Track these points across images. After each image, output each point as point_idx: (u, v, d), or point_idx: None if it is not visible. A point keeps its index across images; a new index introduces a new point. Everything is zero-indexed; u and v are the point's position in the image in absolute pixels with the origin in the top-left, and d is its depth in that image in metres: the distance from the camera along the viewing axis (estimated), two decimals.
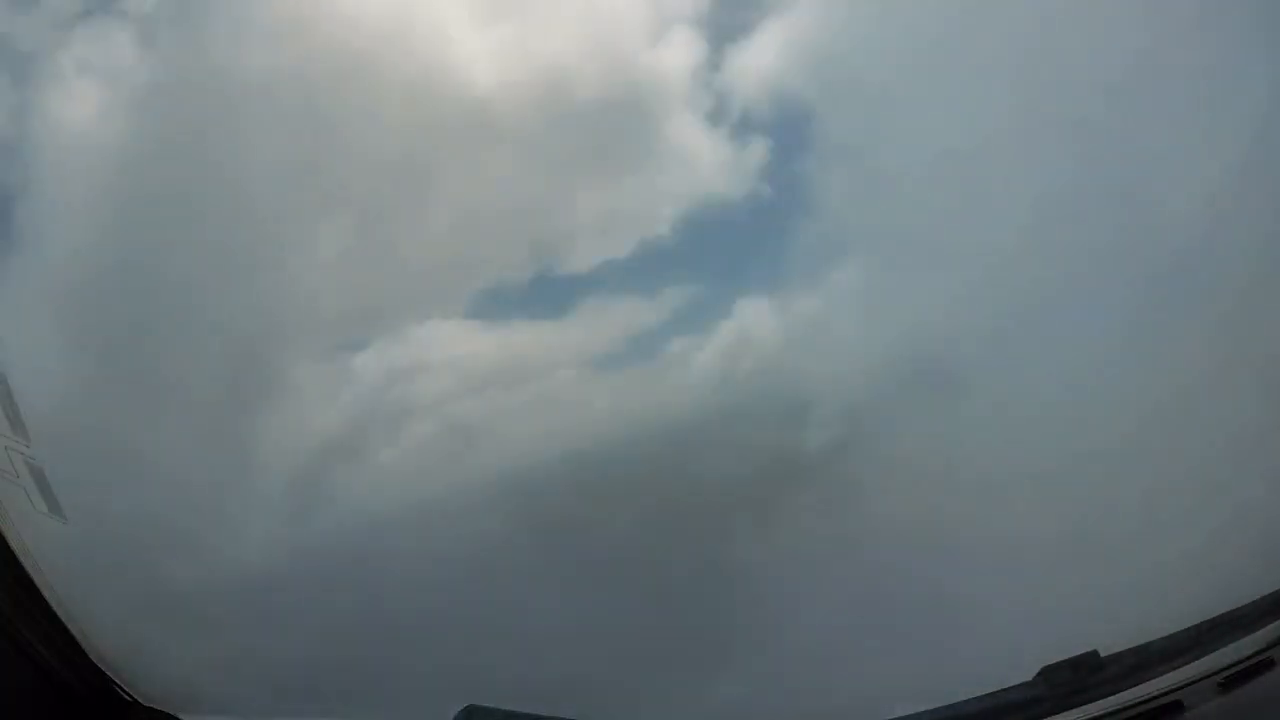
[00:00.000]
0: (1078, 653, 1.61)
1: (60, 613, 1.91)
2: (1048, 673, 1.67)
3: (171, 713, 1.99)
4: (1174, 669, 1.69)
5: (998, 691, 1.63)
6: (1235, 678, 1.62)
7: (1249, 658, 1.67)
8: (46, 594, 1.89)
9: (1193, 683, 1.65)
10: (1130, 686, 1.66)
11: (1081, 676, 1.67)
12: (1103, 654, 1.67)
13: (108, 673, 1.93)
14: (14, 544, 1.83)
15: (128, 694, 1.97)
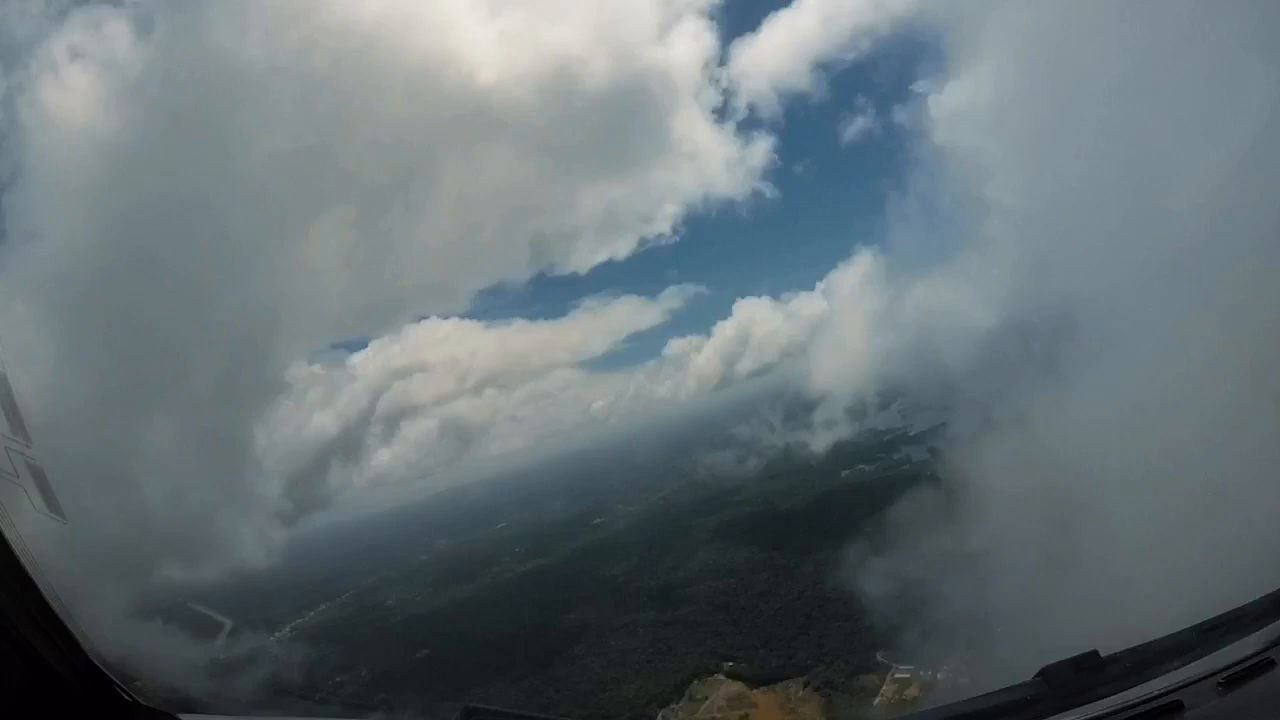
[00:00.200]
0: (1078, 653, 1.61)
1: (60, 613, 1.92)
2: (1048, 673, 1.67)
3: (171, 713, 2.00)
4: (1174, 669, 1.67)
5: (998, 691, 1.63)
6: (1235, 678, 1.60)
7: (1249, 658, 1.65)
8: (46, 594, 1.90)
9: (1193, 683, 1.63)
10: (1130, 686, 1.64)
11: (1082, 676, 1.67)
12: (1103, 654, 1.66)
13: (108, 673, 1.93)
14: (14, 544, 1.84)
15: (128, 694, 1.96)
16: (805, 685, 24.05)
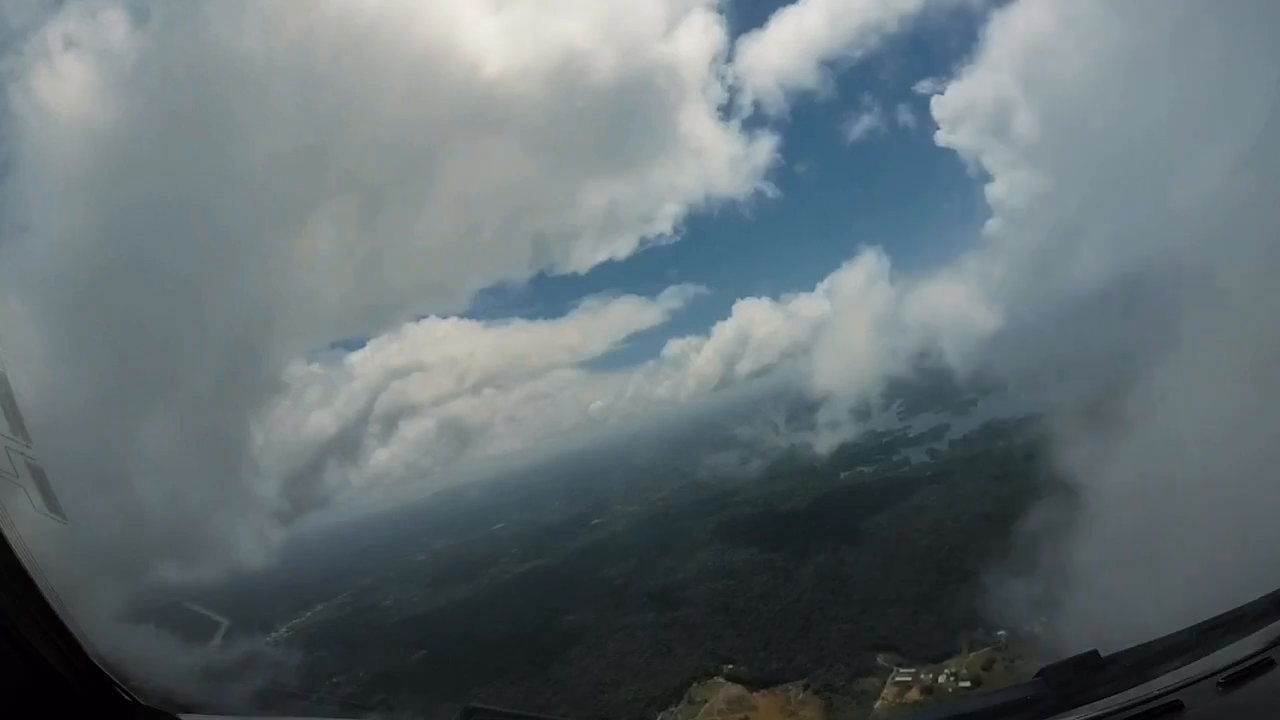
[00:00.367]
0: (1078, 653, 1.61)
1: (60, 613, 1.92)
2: (1048, 673, 1.67)
3: (171, 713, 2.00)
4: (1174, 669, 1.67)
5: (999, 691, 1.63)
6: (1235, 678, 1.60)
7: (1249, 658, 1.65)
8: (46, 594, 1.90)
9: (1193, 683, 1.63)
10: (1130, 686, 1.64)
11: (1082, 676, 1.67)
12: (1103, 654, 1.67)
13: (108, 673, 1.93)
14: (14, 544, 1.84)
15: (128, 694, 1.96)
16: (805, 688, 23.99)
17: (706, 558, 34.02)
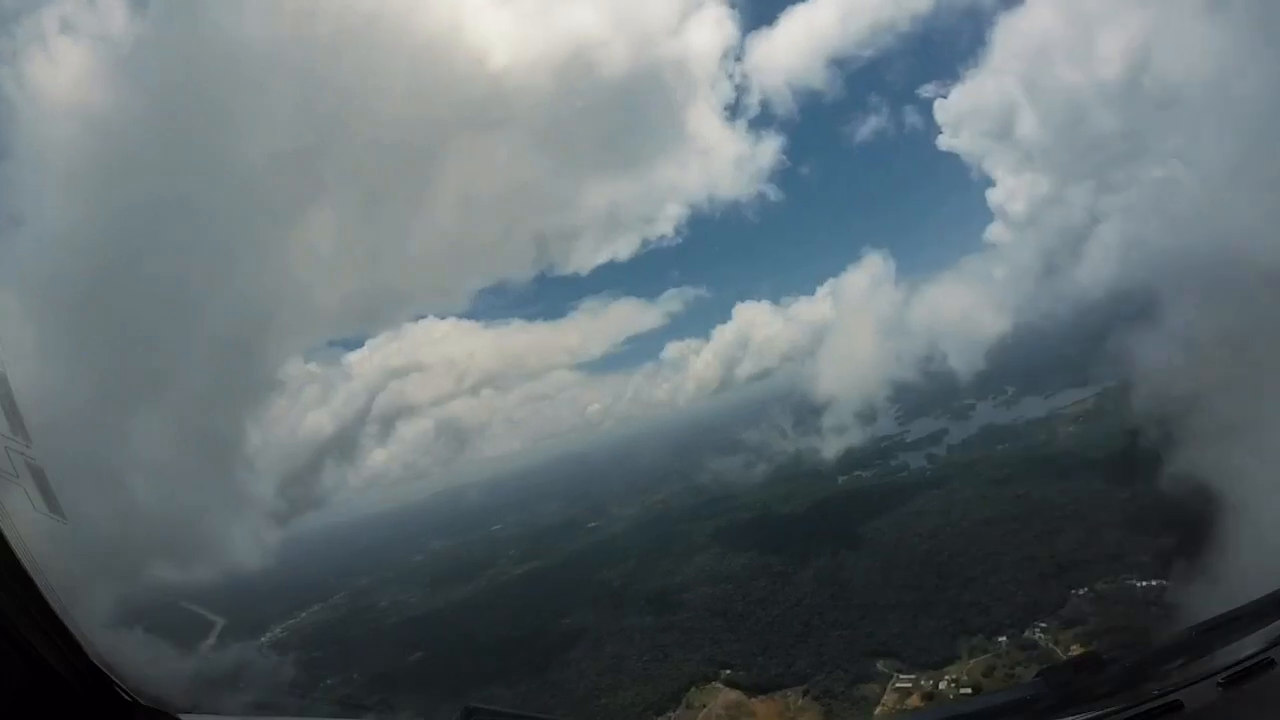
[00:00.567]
0: (1078, 654, 1.61)
1: (60, 613, 1.92)
2: (1048, 674, 1.68)
3: (171, 713, 1.99)
4: (1174, 669, 1.68)
5: (999, 692, 1.63)
6: (1235, 678, 1.61)
7: (1249, 658, 1.66)
8: (46, 594, 1.89)
9: (1193, 683, 1.64)
10: (1130, 686, 1.65)
11: (1082, 677, 1.68)
12: (1103, 655, 1.68)
13: (108, 673, 1.93)
14: (14, 544, 1.84)
15: (128, 694, 1.96)
16: (805, 694, 23.85)
17: (705, 561, 33.89)
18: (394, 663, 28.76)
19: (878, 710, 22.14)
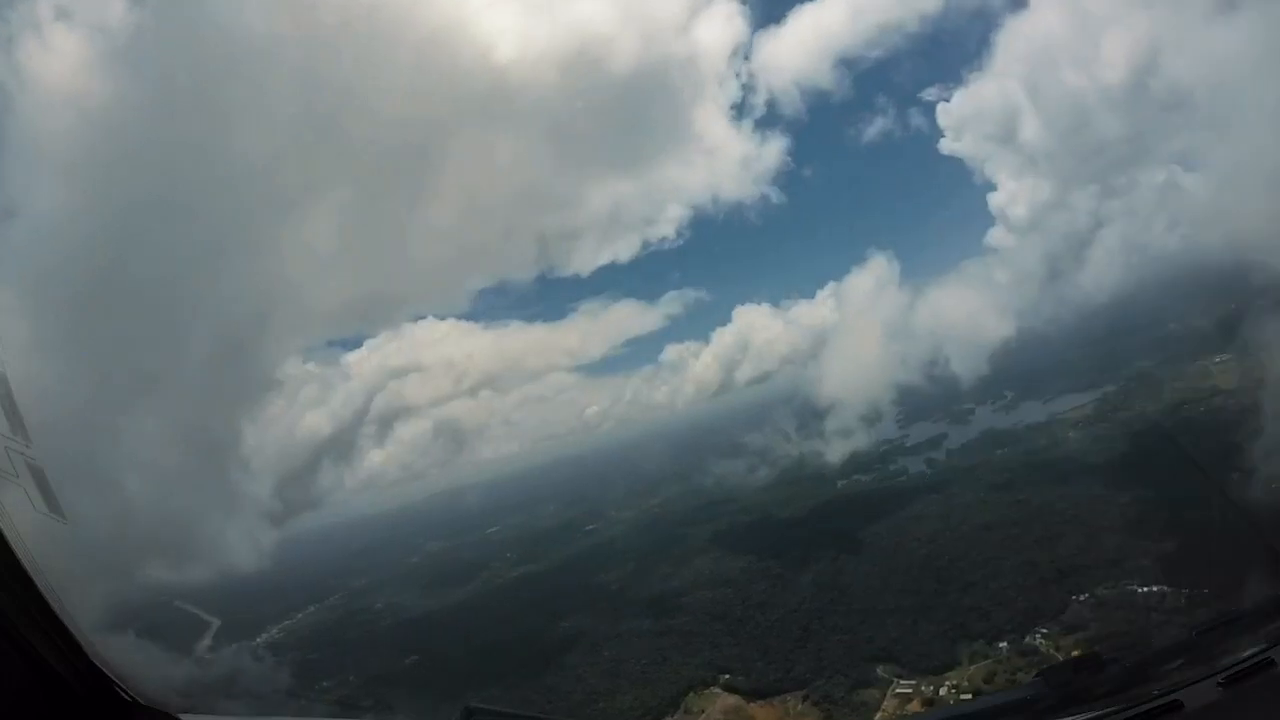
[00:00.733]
0: (1078, 654, 1.62)
1: (60, 613, 1.91)
2: (1049, 674, 1.68)
3: (171, 713, 1.98)
4: (1174, 669, 1.68)
5: (1000, 693, 1.64)
6: (1235, 677, 1.61)
7: (1249, 658, 1.65)
8: (46, 594, 1.89)
9: (1193, 683, 1.64)
10: (1130, 686, 1.65)
11: (1082, 677, 1.68)
12: (1103, 655, 1.68)
13: (108, 673, 1.93)
14: (14, 544, 1.84)
15: (128, 694, 1.97)
16: (804, 699, 23.70)
17: (703, 565, 33.77)
18: (389, 665, 28.54)
19: (878, 716, 22.02)
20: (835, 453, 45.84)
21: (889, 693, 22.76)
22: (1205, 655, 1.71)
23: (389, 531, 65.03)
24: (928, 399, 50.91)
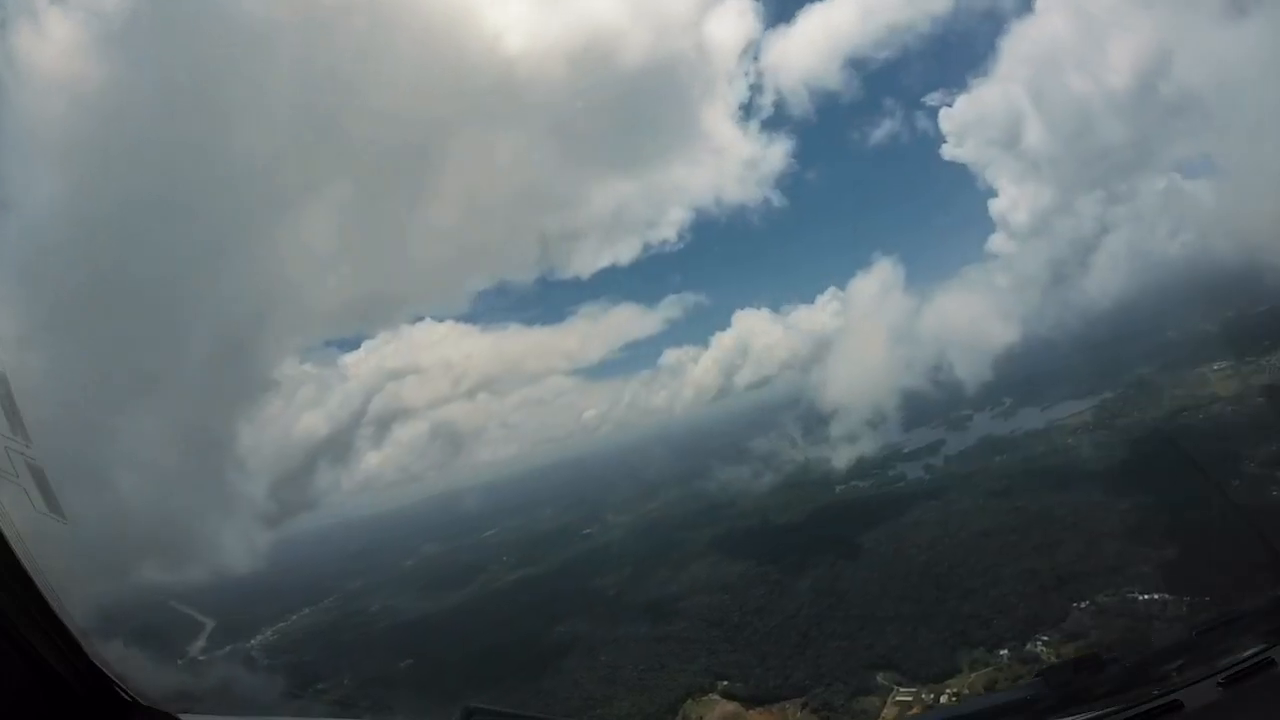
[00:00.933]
0: (1079, 654, 1.62)
1: (60, 613, 1.91)
2: (1049, 674, 1.69)
3: (171, 713, 1.98)
4: (1174, 669, 1.69)
5: (1001, 693, 1.64)
6: (1235, 677, 1.61)
7: (1249, 658, 1.66)
8: (46, 594, 1.89)
9: (1193, 683, 1.65)
10: (1130, 687, 1.66)
11: (1082, 677, 1.69)
12: (1103, 655, 1.69)
13: (108, 673, 1.92)
14: (14, 544, 1.84)
15: (128, 694, 1.96)
16: (803, 707, 23.52)
17: (701, 570, 33.62)
18: (384, 669, 28.29)
19: None
20: (838, 458, 45.80)
21: (889, 700, 22.59)
22: (1205, 655, 1.71)
23: (385, 533, 64.77)
24: (926, 405, 50.99)
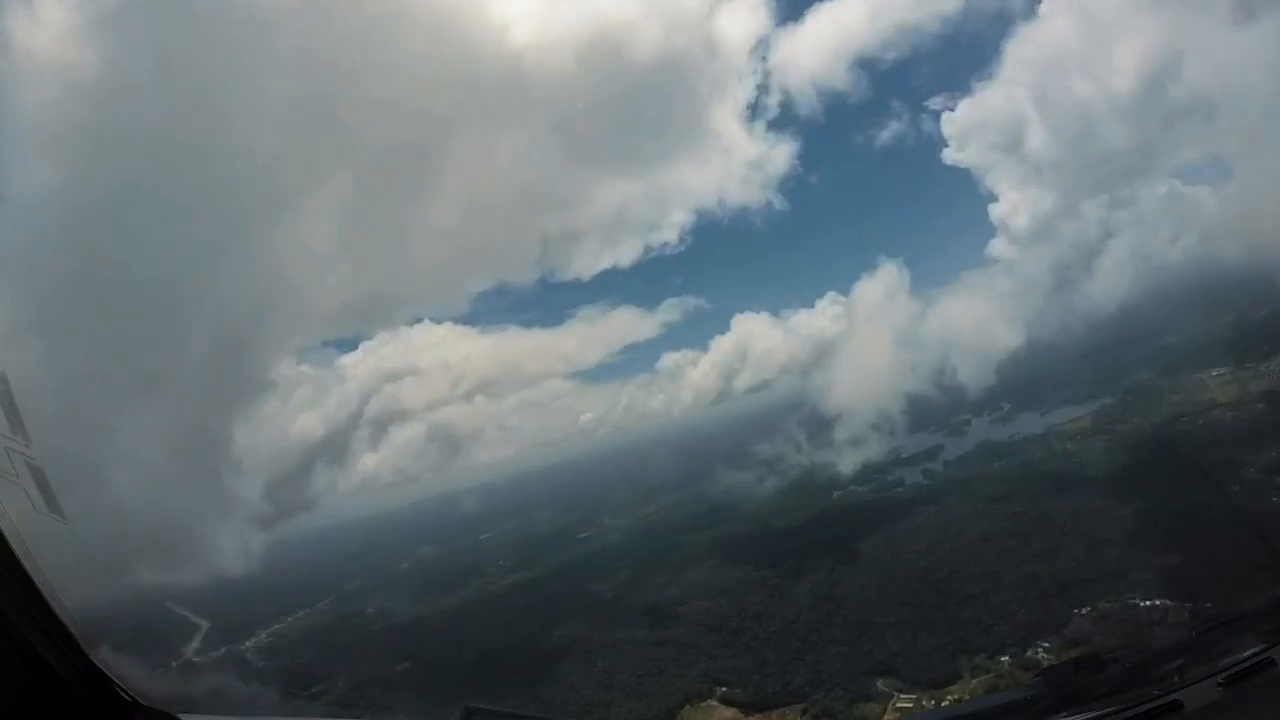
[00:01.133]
0: (1079, 654, 1.63)
1: (60, 613, 1.91)
2: (1049, 674, 1.69)
3: (171, 713, 1.97)
4: (1174, 669, 1.69)
5: (1001, 693, 1.65)
6: (1235, 677, 1.62)
7: (1249, 658, 1.67)
8: (46, 594, 1.89)
9: (1193, 683, 1.65)
10: (1130, 687, 1.66)
11: (1082, 677, 1.69)
12: (1103, 655, 1.69)
13: (108, 673, 1.92)
14: (14, 544, 1.84)
15: (128, 694, 1.95)
16: (803, 713, 23.34)
17: (699, 574, 33.46)
18: (379, 672, 28.05)
19: None
20: (843, 462, 45.69)
21: (890, 706, 22.44)
22: (1205, 655, 1.72)
23: (381, 535, 64.52)
24: (925, 410, 51.03)
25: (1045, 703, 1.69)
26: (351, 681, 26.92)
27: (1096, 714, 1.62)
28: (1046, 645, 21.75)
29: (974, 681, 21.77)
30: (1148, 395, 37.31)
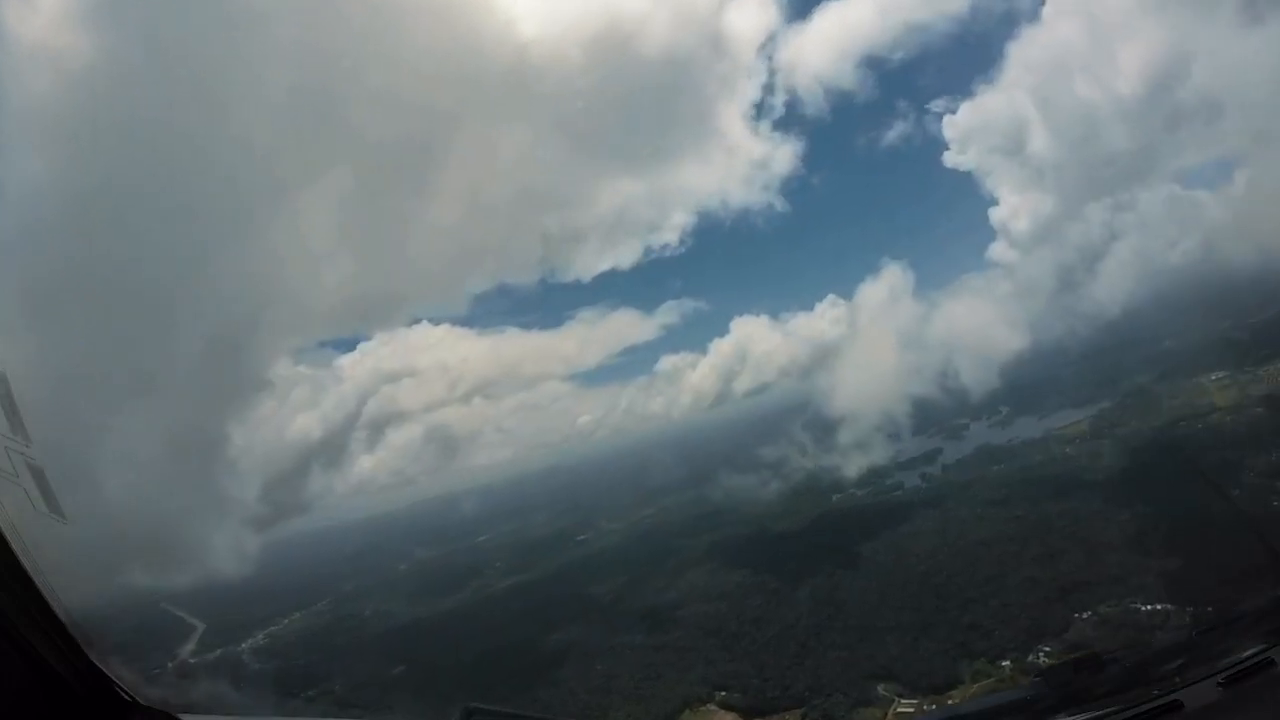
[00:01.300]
0: (1079, 654, 1.63)
1: (60, 613, 1.91)
2: (1049, 674, 1.69)
3: (171, 713, 1.97)
4: (1174, 669, 1.70)
5: (1001, 693, 1.65)
6: (1235, 677, 1.62)
7: (1249, 658, 1.67)
8: (46, 594, 1.88)
9: (1193, 683, 1.66)
10: (1130, 687, 1.66)
11: (1082, 678, 1.69)
12: (1103, 655, 1.70)
13: (108, 673, 1.92)
14: (14, 544, 1.84)
15: (128, 694, 1.95)
16: (803, 717, 23.23)
17: (698, 578, 33.34)
18: (376, 675, 27.88)
19: None
20: (845, 466, 45.61)
21: (890, 711, 22.34)
22: (1205, 655, 1.72)
23: (379, 537, 64.36)
24: (925, 413, 51.03)
25: (1045, 703, 1.70)
26: (348, 684, 26.78)
27: (1096, 714, 1.62)
28: (1048, 649, 21.69)
29: (975, 686, 21.68)
30: (1147, 399, 37.35)
